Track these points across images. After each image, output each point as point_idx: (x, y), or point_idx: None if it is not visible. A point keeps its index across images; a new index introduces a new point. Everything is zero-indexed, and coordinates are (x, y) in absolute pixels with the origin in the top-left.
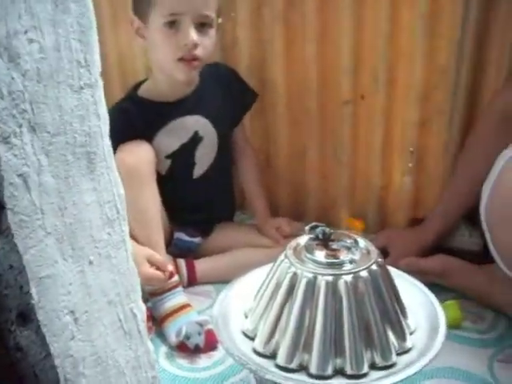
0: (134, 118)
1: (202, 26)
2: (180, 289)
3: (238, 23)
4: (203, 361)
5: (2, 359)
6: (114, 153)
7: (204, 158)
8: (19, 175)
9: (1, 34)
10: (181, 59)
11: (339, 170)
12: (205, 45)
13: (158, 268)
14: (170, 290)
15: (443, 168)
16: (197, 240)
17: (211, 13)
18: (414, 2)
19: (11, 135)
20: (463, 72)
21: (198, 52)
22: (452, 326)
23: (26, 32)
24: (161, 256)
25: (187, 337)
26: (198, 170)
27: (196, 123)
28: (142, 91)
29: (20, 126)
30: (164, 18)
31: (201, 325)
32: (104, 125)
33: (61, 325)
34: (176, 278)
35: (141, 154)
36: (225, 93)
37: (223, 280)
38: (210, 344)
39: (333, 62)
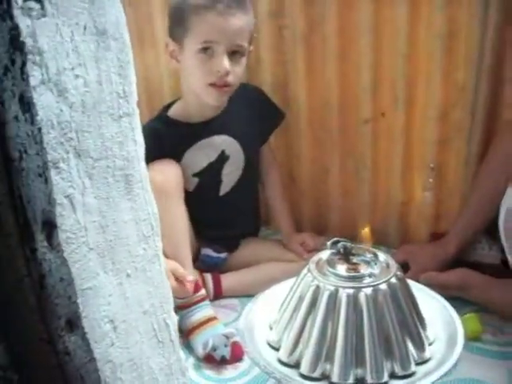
0: (164, 138)
1: (234, 53)
2: (207, 302)
3: (261, 44)
4: (229, 372)
5: (52, 361)
6: None
7: (230, 176)
8: (66, 196)
9: (51, 71)
10: (212, 84)
11: (361, 186)
12: (236, 72)
13: (181, 281)
14: (196, 303)
15: (463, 183)
16: (223, 256)
17: (244, 43)
18: (431, 21)
19: (60, 161)
20: (481, 89)
21: (230, 79)
22: (472, 338)
23: (72, 69)
24: (187, 270)
25: (214, 349)
26: (225, 188)
27: (223, 142)
28: (172, 112)
29: (67, 153)
30: (199, 44)
31: (227, 337)
32: (140, 149)
33: (101, 332)
34: (203, 291)
35: (169, 173)
36: (252, 112)
37: (248, 294)
38: (236, 355)
39: (353, 81)
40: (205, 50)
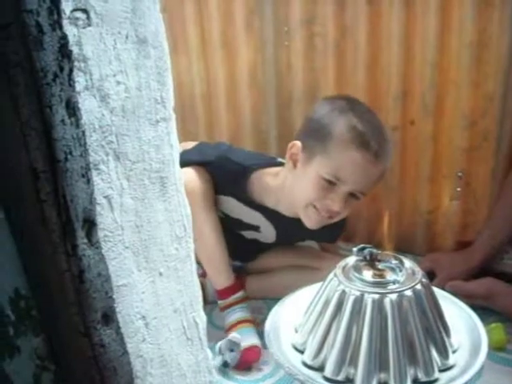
0: (225, 178)
1: (352, 195)
2: (243, 304)
3: (291, 51)
4: (254, 374)
5: (88, 353)
6: None
7: (257, 238)
8: (105, 197)
9: (95, 77)
10: (315, 207)
11: (388, 194)
12: (344, 211)
13: None
14: (233, 304)
15: (490, 192)
16: (237, 263)
17: (366, 191)
18: (461, 31)
19: (100, 163)
20: (510, 99)
21: (333, 216)
22: (496, 348)
23: (114, 75)
24: (223, 275)
25: (221, 353)
26: (247, 236)
27: (262, 223)
28: (251, 185)
29: (107, 155)
30: (328, 174)
31: (234, 343)
32: (175, 153)
33: (134, 328)
34: (239, 294)
35: (201, 179)
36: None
37: (270, 297)
38: (243, 363)
39: (382, 89)
40: (328, 180)
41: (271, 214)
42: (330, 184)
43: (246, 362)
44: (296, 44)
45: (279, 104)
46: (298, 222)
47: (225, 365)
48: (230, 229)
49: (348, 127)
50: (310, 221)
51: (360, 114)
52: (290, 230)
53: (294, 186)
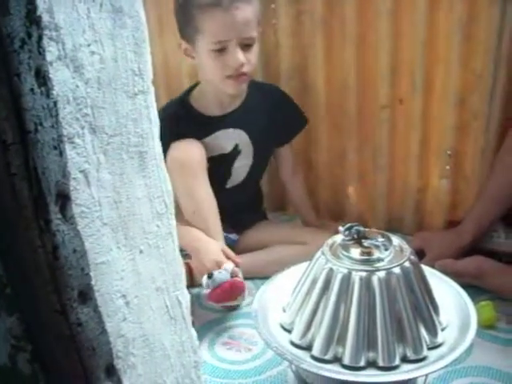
0: (183, 124)
1: (246, 45)
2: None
3: (279, 30)
4: (242, 354)
5: (65, 332)
6: (165, 150)
7: (239, 171)
8: (81, 171)
9: (67, 47)
10: (229, 76)
11: (377, 172)
12: (250, 61)
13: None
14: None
15: (480, 171)
16: (233, 236)
17: (254, 33)
18: (450, 8)
19: (75, 136)
20: (500, 77)
21: (245, 69)
22: (486, 326)
23: (88, 45)
24: (219, 243)
25: (211, 276)
26: (232, 181)
27: (237, 136)
28: (193, 100)
29: (82, 128)
30: (211, 44)
31: (225, 269)
32: (155, 127)
33: (114, 307)
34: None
35: (193, 151)
36: (273, 113)
37: (261, 275)
38: (227, 288)
39: (371, 67)
40: (218, 48)
41: (234, 117)
42: (221, 51)
43: (231, 287)
44: (283, 21)
45: (267, 82)
46: (253, 105)
47: (209, 276)
48: (213, 186)
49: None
50: (232, 88)
51: None
52: (257, 125)
53: (205, 73)
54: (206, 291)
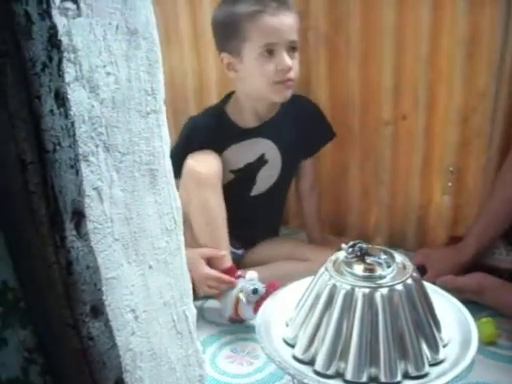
0: (213, 132)
1: (291, 49)
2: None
3: None
4: (245, 367)
5: (76, 346)
6: (184, 159)
7: (265, 180)
8: (94, 188)
9: (84, 68)
10: (277, 82)
11: (380, 188)
12: (295, 67)
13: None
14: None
15: (482, 188)
16: (240, 252)
17: (297, 38)
18: (453, 27)
19: (89, 154)
20: (502, 95)
21: (291, 74)
22: (487, 342)
23: (104, 66)
24: (226, 256)
25: (256, 291)
26: (257, 190)
27: (265, 146)
28: (230, 111)
29: (97, 147)
30: (259, 49)
31: (251, 279)
32: (165, 146)
33: (123, 321)
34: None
35: (211, 164)
36: (302, 124)
37: None
38: (275, 287)
39: (375, 83)
40: (266, 52)
41: (263, 127)
42: (268, 53)
43: (274, 288)
44: None
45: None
46: (284, 116)
47: (254, 292)
48: (238, 194)
49: (241, 6)
50: (280, 94)
51: None
52: (287, 136)
53: (250, 83)
54: (241, 308)
